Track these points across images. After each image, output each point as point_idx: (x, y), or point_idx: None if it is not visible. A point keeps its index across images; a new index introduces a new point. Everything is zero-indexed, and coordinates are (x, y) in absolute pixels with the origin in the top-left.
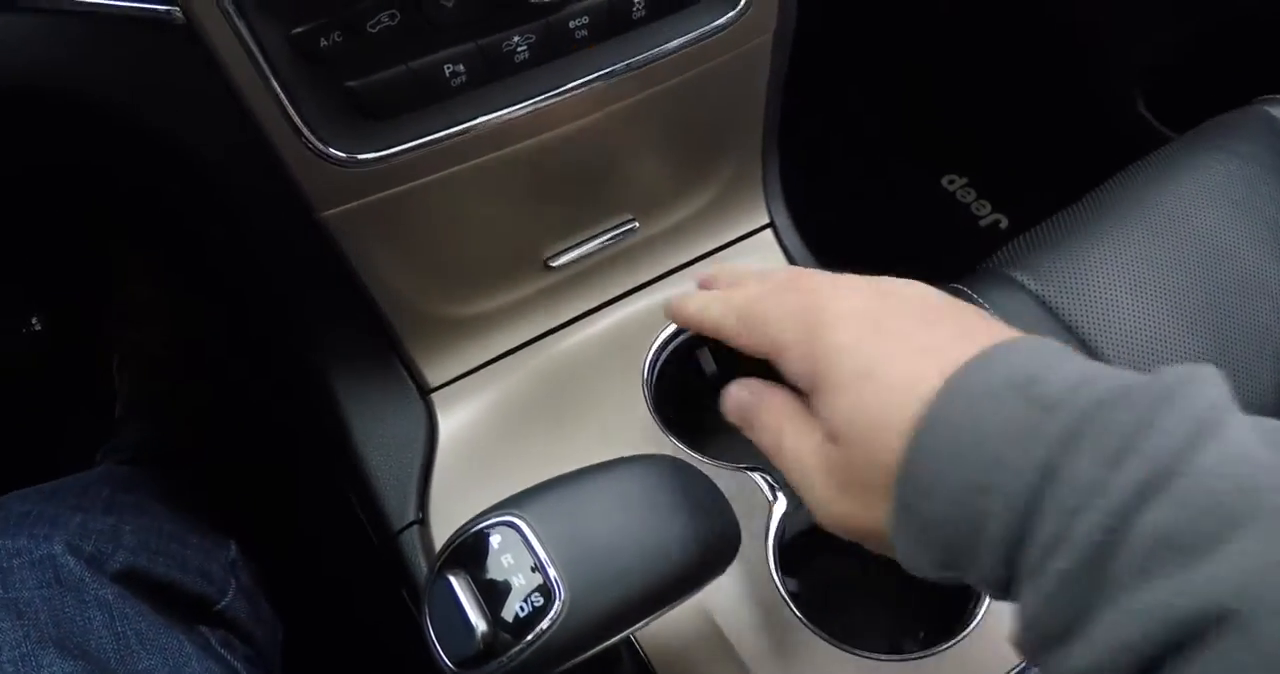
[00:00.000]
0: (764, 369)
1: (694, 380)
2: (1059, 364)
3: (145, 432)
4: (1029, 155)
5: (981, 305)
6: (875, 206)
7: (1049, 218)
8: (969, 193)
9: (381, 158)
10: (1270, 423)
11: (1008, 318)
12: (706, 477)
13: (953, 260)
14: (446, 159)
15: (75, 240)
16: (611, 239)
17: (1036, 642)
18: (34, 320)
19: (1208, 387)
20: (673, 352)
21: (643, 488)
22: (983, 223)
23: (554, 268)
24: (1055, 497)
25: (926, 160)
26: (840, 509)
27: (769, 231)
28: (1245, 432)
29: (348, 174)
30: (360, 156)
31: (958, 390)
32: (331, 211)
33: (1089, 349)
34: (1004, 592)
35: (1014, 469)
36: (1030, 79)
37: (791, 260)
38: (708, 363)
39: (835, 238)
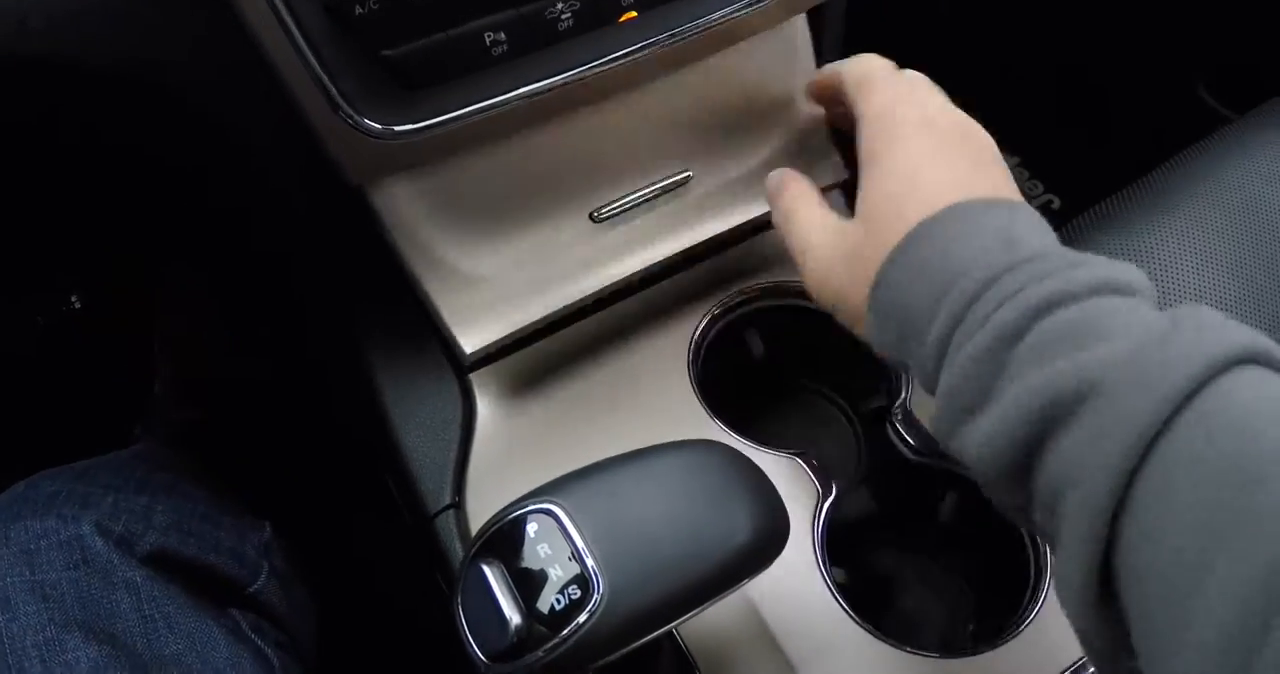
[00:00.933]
0: (810, 352)
1: (741, 362)
2: (1044, 237)
3: (185, 410)
4: (1082, 136)
5: None
6: None
7: (1110, 196)
8: (1021, 173)
9: (420, 129)
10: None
11: None
12: (753, 463)
13: None
14: (488, 129)
15: (119, 218)
16: (663, 190)
17: (950, 418)
18: (73, 298)
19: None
20: (719, 332)
21: (688, 474)
22: (1034, 202)
23: (600, 222)
24: (988, 297)
25: None
26: (836, 279)
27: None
28: (1148, 288)
29: (386, 146)
30: (398, 128)
31: (962, 213)
32: (368, 184)
33: None
34: (931, 381)
35: (971, 275)
36: (1085, 57)
37: None
38: (755, 344)
39: None
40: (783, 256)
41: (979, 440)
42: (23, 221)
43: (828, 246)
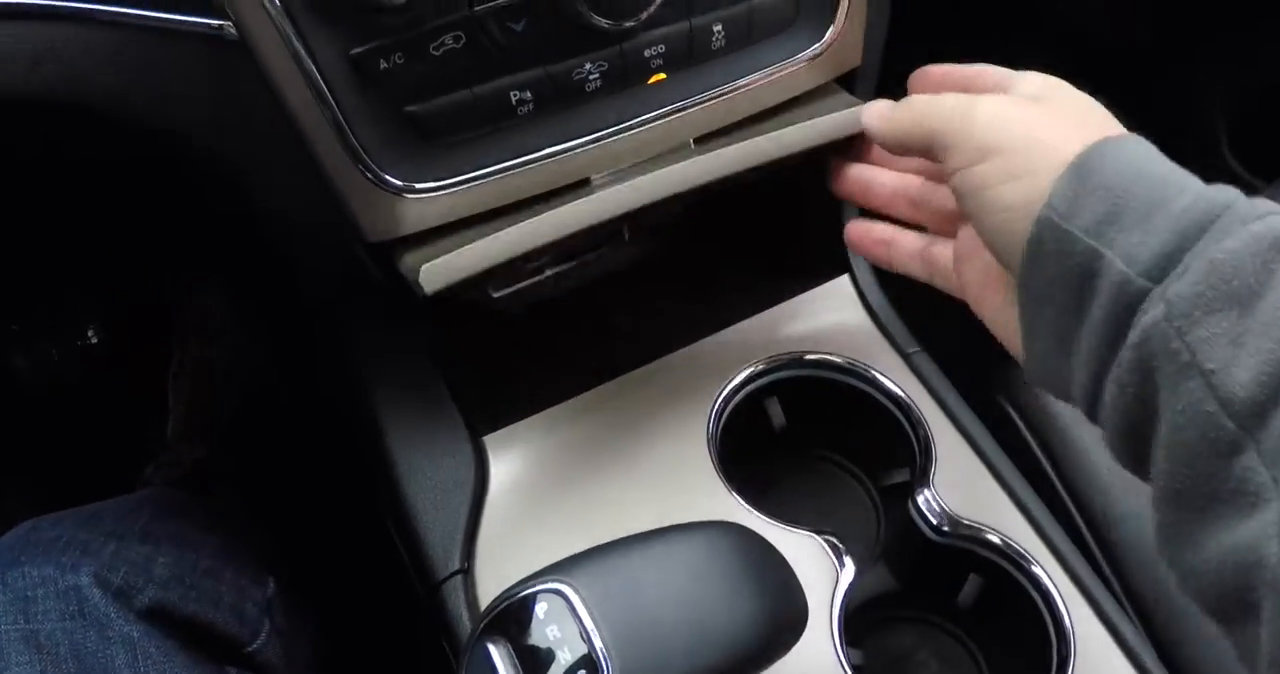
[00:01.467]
0: (831, 424)
1: (761, 432)
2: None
3: (198, 451)
4: None
5: None
6: None
7: None
8: None
9: (441, 186)
10: None
11: None
12: (773, 548)
13: None
14: (509, 189)
15: (139, 252)
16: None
17: (1195, 301)
18: (90, 332)
19: None
20: (740, 402)
21: (704, 559)
22: None
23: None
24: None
25: None
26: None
27: (845, 278)
28: None
29: (404, 203)
30: (419, 185)
31: (1119, 146)
32: (385, 239)
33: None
34: (1157, 263)
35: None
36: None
37: (865, 302)
38: (777, 415)
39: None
40: (807, 329)
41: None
42: (36, 253)
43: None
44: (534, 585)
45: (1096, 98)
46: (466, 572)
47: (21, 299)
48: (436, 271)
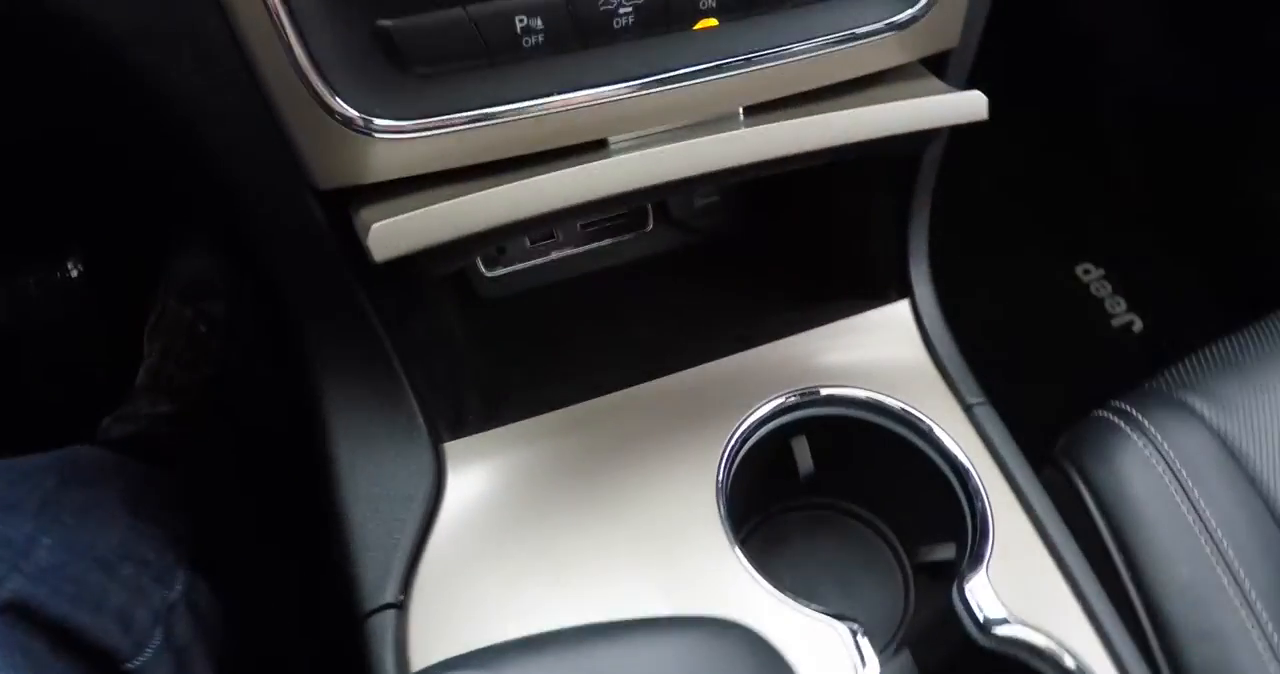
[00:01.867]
0: (867, 478)
1: (783, 475)
2: None
3: (160, 407)
4: (1176, 254)
5: (1147, 430)
6: (1001, 291)
7: (1226, 336)
8: (1104, 286)
9: (414, 128)
10: None
11: (1174, 443)
12: (779, 662)
13: (1081, 363)
14: (501, 141)
15: (128, 189)
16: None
17: None
18: (70, 265)
19: None
20: (761, 438)
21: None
22: (1115, 322)
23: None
24: None
25: (1063, 242)
26: None
27: (905, 304)
28: None
29: (365, 144)
30: (384, 121)
31: None
32: (336, 186)
33: (1263, 497)
34: None
35: None
36: (1185, 173)
37: (925, 335)
38: (804, 459)
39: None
40: (852, 360)
41: None
42: (22, 177)
43: None
44: None
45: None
46: (401, 607)
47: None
48: (390, 234)
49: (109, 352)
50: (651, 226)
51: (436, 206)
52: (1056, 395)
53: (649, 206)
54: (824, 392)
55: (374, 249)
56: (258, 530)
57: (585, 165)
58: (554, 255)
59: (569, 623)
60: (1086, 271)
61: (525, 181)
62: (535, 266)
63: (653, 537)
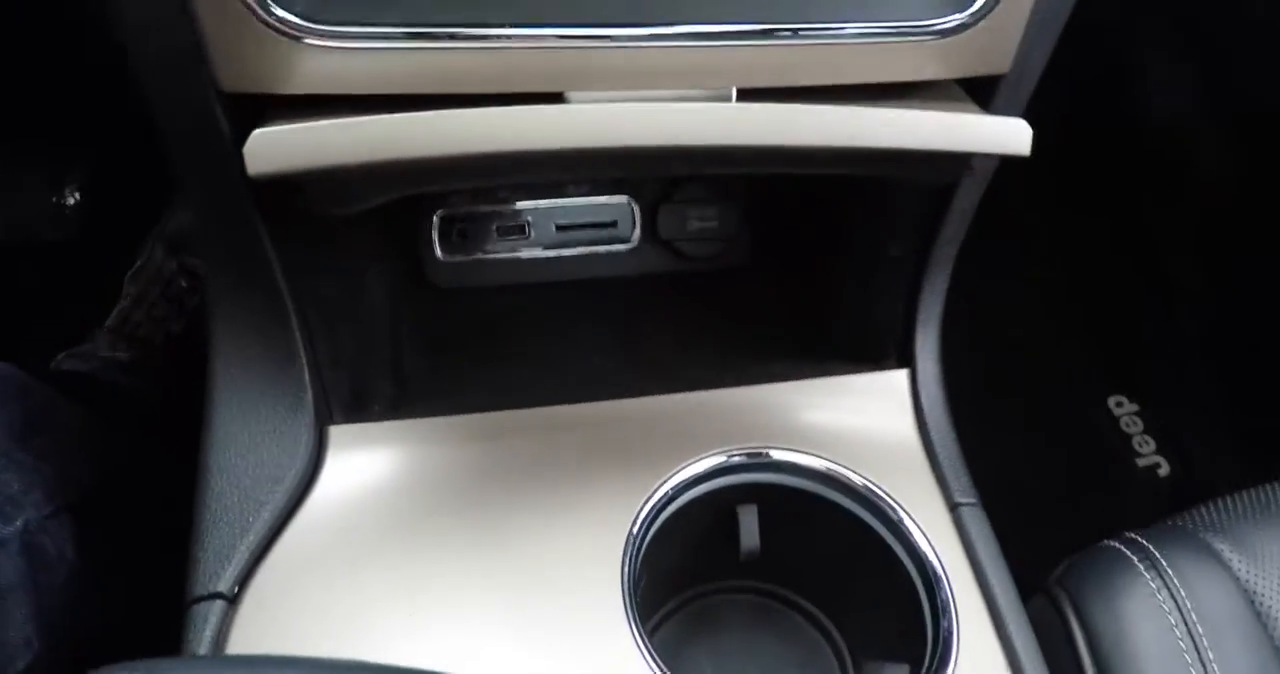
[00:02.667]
0: (823, 581)
1: (719, 549)
2: None
3: (118, 351)
4: (1214, 399)
5: (1162, 569)
6: (1027, 419)
7: (1263, 485)
8: (1135, 422)
9: (334, 34)
10: None
11: (1191, 589)
12: None
13: (1092, 498)
14: (445, 69)
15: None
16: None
17: None
18: (68, 191)
19: None
20: (701, 498)
21: None
22: (1141, 462)
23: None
24: None
25: (1100, 365)
26: None
27: (902, 374)
28: None
29: (277, 42)
30: (309, 24)
31: None
32: (243, 90)
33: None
34: None
35: None
36: (1231, 312)
37: (920, 414)
38: (750, 533)
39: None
40: (830, 424)
41: None
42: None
43: None
44: None
45: None
46: (232, 600)
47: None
48: (271, 144)
49: (86, 287)
50: (636, 243)
51: (331, 122)
52: (1058, 525)
53: (635, 218)
54: (775, 454)
55: (249, 159)
56: (163, 499)
57: (524, 107)
58: (523, 253)
59: (406, 662)
60: (1119, 404)
61: (443, 112)
62: (498, 261)
63: (539, 588)
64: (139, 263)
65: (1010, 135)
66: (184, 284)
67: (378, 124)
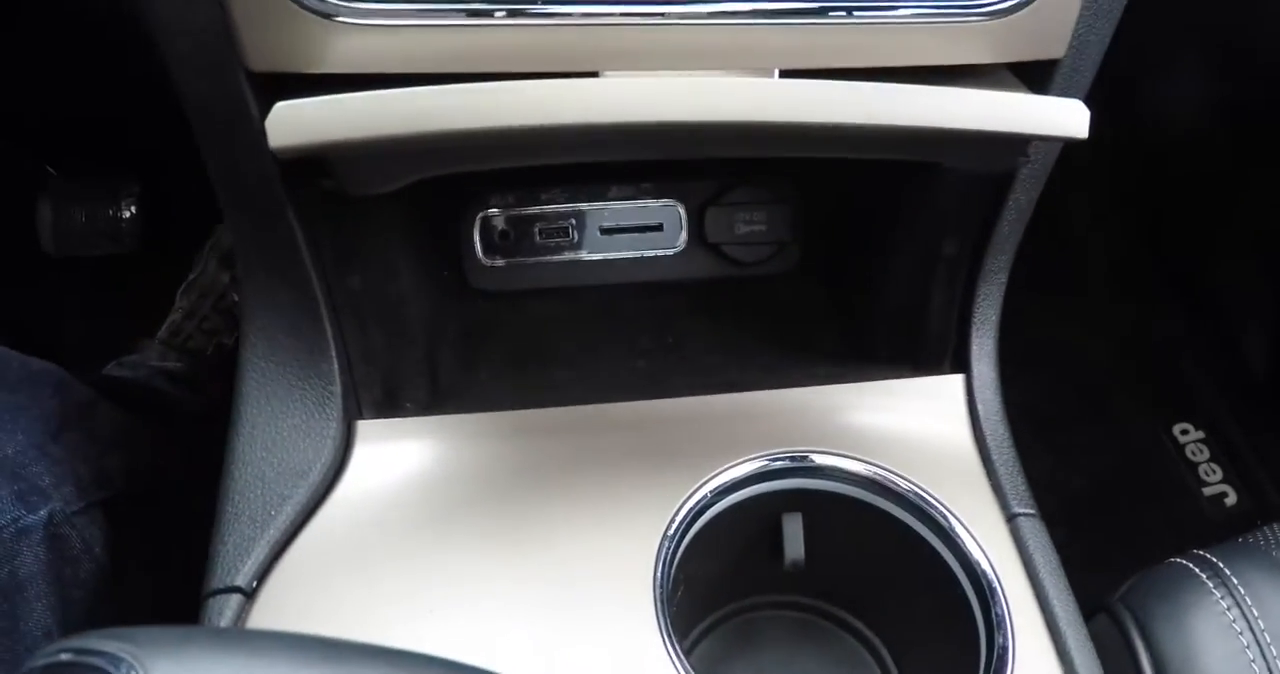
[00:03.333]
0: (871, 595)
1: (762, 560)
2: None
3: (168, 360)
4: None
5: (1233, 586)
6: (1084, 439)
7: None
8: (1200, 451)
9: (375, 13)
10: None
11: (1263, 607)
12: None
13: (1161, 526)
14: (463, 50)
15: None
16: None
17: None
18: (124, 204)
19: None
20: (744, 504)
21: None
22: (1207, 491)
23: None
24: None
25: (1166, 393)
26: None
27: (958, 380)
28: None
29: (306, 19)
30: (339, 1)
31: None
32: (272, 69)
33: None
34: None
35: None
36: None
37: (976, 420)
38: (795, 543)
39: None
40: (881, 429)
41: None
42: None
43: None
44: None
45: None
46: (250, 595)
47: (65, 146)
48: (295, 117)
49: (140, 299)
50: (683, 246)
51: (357, 94)
52: (1120, 550)
53: (683, 221)
54: (818, 459)
55: (271, 132)
56: (199, 503)
57: (556, 81)
58: (566, 256)
59: None
60: (1184, 432)
61: (471, 86)
62: (540, 264)
63: (567, 592)
64: (192, 276)
65: (1066, 117)
66: (234, 298)
67: (402, 97)
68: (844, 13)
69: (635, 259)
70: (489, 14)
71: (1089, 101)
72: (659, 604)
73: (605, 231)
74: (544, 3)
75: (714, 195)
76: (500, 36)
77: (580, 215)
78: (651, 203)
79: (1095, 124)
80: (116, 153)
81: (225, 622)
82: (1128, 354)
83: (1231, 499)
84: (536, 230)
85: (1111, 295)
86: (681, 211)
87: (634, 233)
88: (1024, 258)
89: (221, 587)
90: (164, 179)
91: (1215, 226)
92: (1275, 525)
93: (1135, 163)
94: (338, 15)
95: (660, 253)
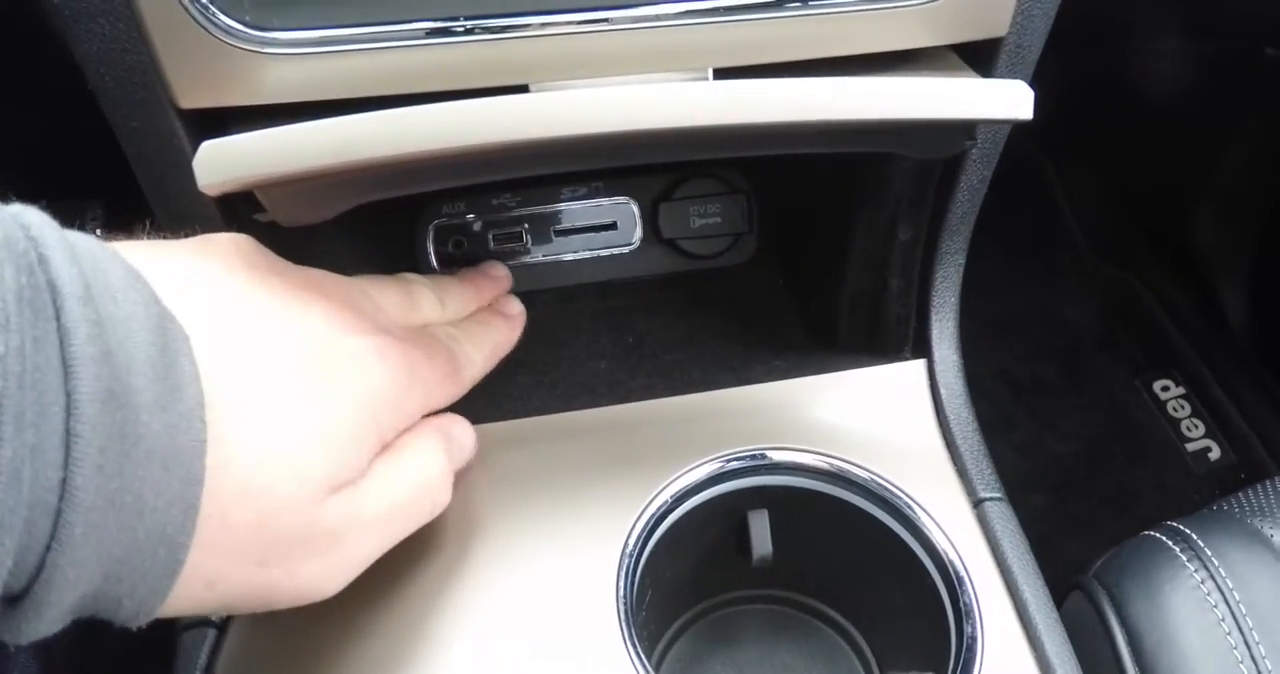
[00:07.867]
0: (841, 586)
1: (729, 559)
2: None
3: None
4: (1266, 378)
5: (1206, 558)
6: (1065, 401)
7: None
8: (1182, 407)
9: (297, 42)
10: None
11: (1238, 579)
12: None
13: (1145, 486)
14: (402, 68)
15: None
16: None
17: None
18: (89, 226)
19: None
20: (709, 505)
21: None
22: (1190, 447)
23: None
24: None
25: (1145, 351)
26: None
27: (919, 365)
28: None
29: (236, 57)
30: (260, 32)
31: None
32: (201, 106)
33: None
34: None
35: None
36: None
37: (939, 406)
38: (761, 539)
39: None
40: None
41: None
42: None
43: None
44: None
45: None
46: (221, 628)
47: (23, 170)
48: (221, 154)
49: None
50: (638, 244)
51: (284, 128)
52: (1104, 516)
53: (637, 218)
54: (775, 455)
55: (199, 172)
56: None
57: (484, 100)
58: (521, 260)
59: None
60: (1165, 389)
61: (401, 111)
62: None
63: (533, 609)
64: None
65: (1009, 99)
66: None
67: (317, 129)
68: (773, 4)
69: (592, 258)
70: (412, 36)
71: (1046, 72)
72: (624, 618)
73: (559, 233)
74: (466, 18)
75: (666, 190)
76: (422, 56)
77: (533, 218)
78: (604, 201)
79: (1063, 89)
80: (77, 176)
81: (198, 661)
82: (1107, 314)
83: (1215, 454)
84: (490, 237)
85: (1089, 256)
86: (635, 208)
87: (589, 232)
88: (1001, 223)
89: (195, 620)
90: (128, 198)
91: (1192, 184)
92: (1249, 491)
93: (1109, 124)
94: (259, 47)
95: (616, 251)
